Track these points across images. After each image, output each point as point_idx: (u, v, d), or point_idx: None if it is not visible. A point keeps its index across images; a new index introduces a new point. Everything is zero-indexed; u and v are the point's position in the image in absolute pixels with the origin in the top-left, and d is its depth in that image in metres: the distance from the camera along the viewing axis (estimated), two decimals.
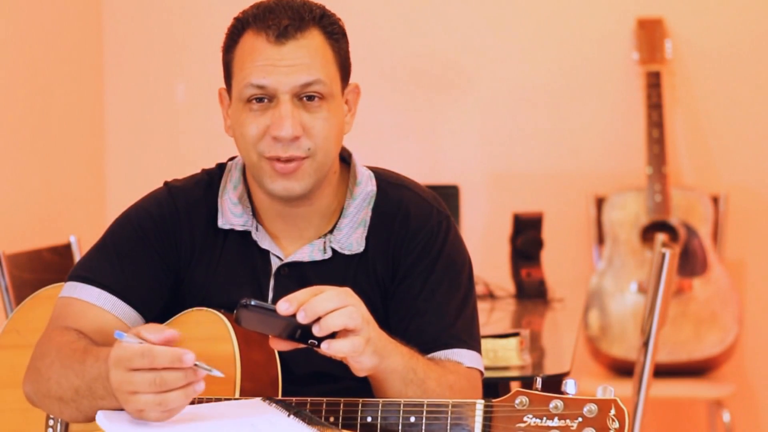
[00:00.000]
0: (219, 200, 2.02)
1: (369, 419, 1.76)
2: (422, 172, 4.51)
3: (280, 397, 1.85)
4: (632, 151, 4.55)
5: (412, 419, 1.73)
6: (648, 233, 4.34)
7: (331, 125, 1.93)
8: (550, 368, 2.66)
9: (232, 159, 2.08)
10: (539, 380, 1.68)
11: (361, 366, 1.76)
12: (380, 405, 1.76)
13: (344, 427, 1.76)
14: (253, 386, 1.83)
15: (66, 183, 4.46)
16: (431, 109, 4.70)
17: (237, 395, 1.82)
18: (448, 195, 3.98)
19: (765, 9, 4.58)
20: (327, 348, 1.71)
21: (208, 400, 1.81)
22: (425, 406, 1.73)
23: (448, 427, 1.71)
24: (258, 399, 1.79)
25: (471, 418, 1.70)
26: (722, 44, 4.58)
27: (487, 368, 2.03)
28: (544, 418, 1.66)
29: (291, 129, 1.89)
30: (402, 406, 1.75)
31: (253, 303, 1.70)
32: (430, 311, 1.96)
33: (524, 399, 1.67)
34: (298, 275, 1.97)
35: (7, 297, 3.11)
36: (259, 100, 1.91)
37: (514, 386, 2.60)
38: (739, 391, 4.43)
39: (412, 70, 4.70)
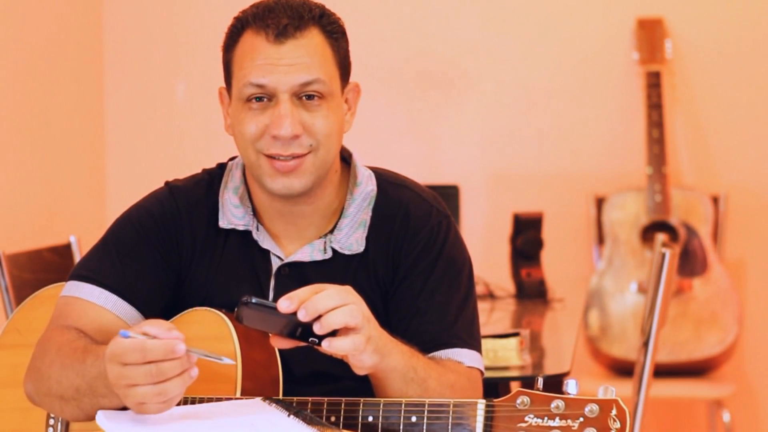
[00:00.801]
0: (220, 200, 2.02)
1: (370, 419, 1.76)
2: (422, 172, 4.51)
3: (280, 396, 1.85)
4: (632, 151, 4.55)
5: (414, 419, 1.73)
6: (648, 233, 4.34)
7: (331, 123, 1.93)
8: (550, 368, 2.66)
9: (232, 159, 2.08)
10: (540, 380, 1.68)
11: (361, 364, 1.76)
12: (381, 405, 1.76)
13: (345, 426, 1.76)
14: (254, 385, 1.83)
15: (66, 183, 4.46)
16: (431, 109, 4.70)
17: (238, 395, 1.82)
18: (448, 195, 3.98)
19: (765, 9, 4.58)
20: (328, 346, 1.71)
21: (209, 400, 1.81)
22: (426, 405, 1.73)
23: (450, 427, 1.71)
24: (258, 399, 1.79)
25: (472, 417, 1.70)
26: (722, 44, 4.58)
27: (487, 368, 2.03)
28: (546, 418, 1.66)
29: (290, 128, 1.89)
30: (403, 405, 1.75)
31: (254, 300, 1.71)
32: (431, 311, 1.96)
33: (526, 399, 1.67)
34: (299, 275, 1.97)
35: (7, 297, 3.11)
36: (259, 99, 1.91)
37: (514, 386, 2.60)
38: (739, 391, 4.43)
39: (411, 70, 4.70)
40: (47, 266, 3.32)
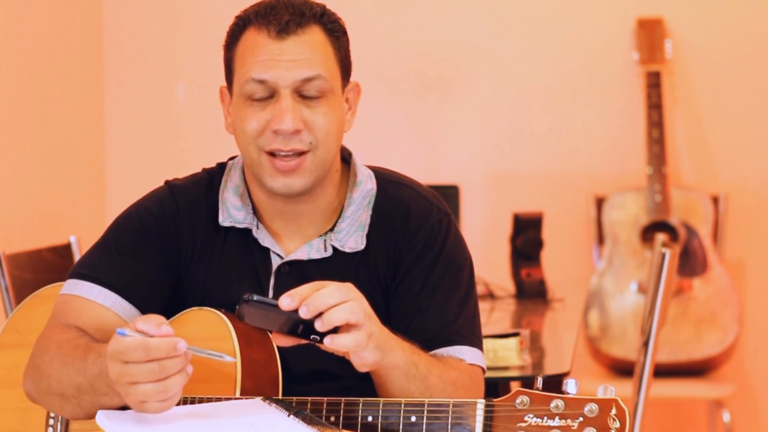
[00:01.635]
0: (219, 198, 2.02)
1: (370, 419, 1.76)
2: (422, 172, 4.51)
3: (280, 395, 1.85)
4: (632, 151, 4.55)
5: (413, 419, 1.73)
6: (648, 233, 4.34)
7: (332, 121, 1.93)
8: (550, 368, 2.66)
9: (232, 158, 2.08)
10: (540, 380, 1.68)
11: (363, 361, 1.76)
12: (381, 405, 1.76)
13: (345, 426, 1.76)
14: (254, 385, 1.83)
15: (66, 183, 4.46)
16: (431, 109, 4.70)
17: (237, 394, 1.82)
18: (448, 195, 3.98)
19: (765, 9, 4.58)
20: (330, 343, 1.71)
21: (209, 400, 1.81)
22: (426, 405, 1.73)
23: (449, 427, 1.71)
24: (258, 399, 1.79)
25: (472, 417, 1.70)
26: (722, 44, 4.58)
27: (487, 368, 2.03)
28: (545, 418, 1.65)
29: (291, 123, 1.89)
30: (403, 405, 1.75)
31: (255, 298, 1.71)
32: (432, 308, 1.96)
33: (525, 399, 1.67)
34: (299, 273, 1.97)
35: (7, 297, 3.11)
36: (260, 100, 1.92)
37: (514, 386, 2.60)
38: (739, 391, 4.42)
39: (412, 70, 4.70)
40: (47, 266, 3.32)
